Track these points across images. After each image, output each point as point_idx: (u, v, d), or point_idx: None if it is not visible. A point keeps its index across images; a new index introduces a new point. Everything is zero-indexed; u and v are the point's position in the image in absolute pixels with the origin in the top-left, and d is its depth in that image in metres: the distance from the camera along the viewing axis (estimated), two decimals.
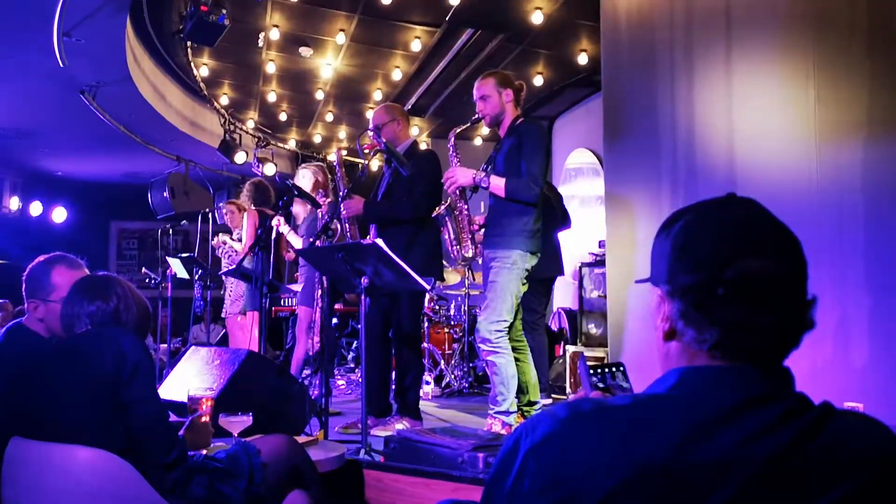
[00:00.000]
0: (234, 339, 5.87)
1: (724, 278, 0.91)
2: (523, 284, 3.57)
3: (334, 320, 7.29)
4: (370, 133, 3.93)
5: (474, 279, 6.14)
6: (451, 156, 3.78)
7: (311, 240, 3.85)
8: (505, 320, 3.48)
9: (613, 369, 1.12)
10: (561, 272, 5.24)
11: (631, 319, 4.09)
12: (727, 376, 0.92)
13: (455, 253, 3.73)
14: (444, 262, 4.42)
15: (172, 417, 2.59)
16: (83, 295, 2.05)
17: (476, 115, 3.70)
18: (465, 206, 3.71)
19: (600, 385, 1.09)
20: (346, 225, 4.12)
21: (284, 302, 6.19)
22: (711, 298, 0.92)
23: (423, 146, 4.72)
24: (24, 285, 2.40)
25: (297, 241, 4.93)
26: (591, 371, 1.11)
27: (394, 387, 4.12)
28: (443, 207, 3.71)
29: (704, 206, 0.99)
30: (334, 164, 4.32)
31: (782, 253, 0.94)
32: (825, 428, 0.88)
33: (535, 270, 3.62)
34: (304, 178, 5.00)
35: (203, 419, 2.22)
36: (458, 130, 3.80)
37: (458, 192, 3.67)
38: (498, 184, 3.51)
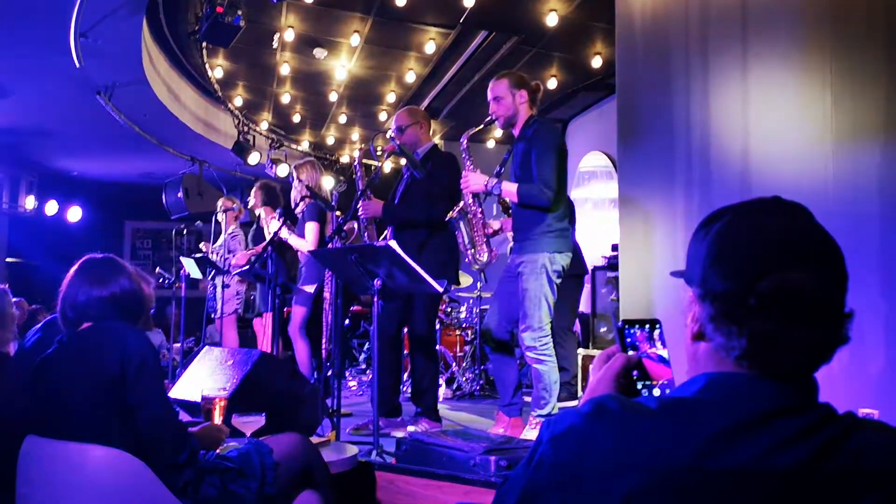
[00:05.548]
0: (226, 340, 5.81)
1: (758, 289, 0.88)
2: (558, 284, 3.54)
3: (346, 321, 7.32)
4: (389, 134, 3.94)
5: (486, 282, 6.13)
6: (464, 159, 3.76)
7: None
8: (545, 326, 3.48)
9: (649, 328, 1.09)
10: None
11: None
12: (753, 386, 0.90)
13: (470, 257, 3.71)
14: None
15: (185, 417, 2.60)
16: (87, 278, 2.04)
17: (489, 117, 3.67)
18: (480, 210, 3.68)
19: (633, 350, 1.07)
20: (364, 226, 4.13)
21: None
22: (742, 308, 0.89)
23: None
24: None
25: (299, 244, 4.83)
26: (627, 324, 1.08)
27: (410, 389, 4.13)
28: (456, 211, 3.69)
29: (746, 209, 0.96)
30: (354, 164, 4.31)
31: (821, 267, 0.90)
32: (848, 440, 0.85)
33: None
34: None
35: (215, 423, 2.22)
36: (471, 133, 3.78)
37: (471, 196, 3.66)
38: (510, 189, 3.50)
